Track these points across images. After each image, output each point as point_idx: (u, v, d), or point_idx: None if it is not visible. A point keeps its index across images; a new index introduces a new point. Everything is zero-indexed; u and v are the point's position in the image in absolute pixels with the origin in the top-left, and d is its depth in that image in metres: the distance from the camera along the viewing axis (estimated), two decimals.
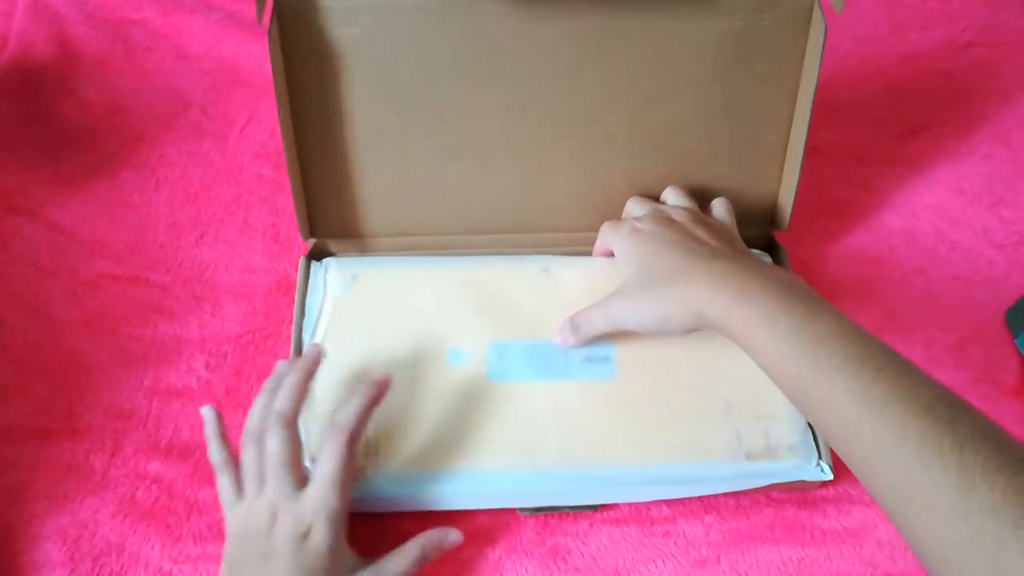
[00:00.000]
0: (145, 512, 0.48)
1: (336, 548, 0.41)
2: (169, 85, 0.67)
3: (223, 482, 0.44)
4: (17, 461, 0.50)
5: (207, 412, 0.46)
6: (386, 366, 0.49)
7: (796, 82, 0.50)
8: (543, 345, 0.50)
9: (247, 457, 0.43)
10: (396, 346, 0.50)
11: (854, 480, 0.50)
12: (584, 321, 0.49)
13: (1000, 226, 0.60)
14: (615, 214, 0.53)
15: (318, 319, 0.51)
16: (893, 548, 0.47)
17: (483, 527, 0.48)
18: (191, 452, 0.50)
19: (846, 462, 0.37)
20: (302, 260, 0.54)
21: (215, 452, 0.45)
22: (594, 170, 0.53)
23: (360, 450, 0.46)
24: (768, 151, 0.53)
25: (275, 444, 0.42)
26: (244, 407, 0.51)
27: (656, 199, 0.53)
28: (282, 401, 0.43)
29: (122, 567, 0.46)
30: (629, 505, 0.49)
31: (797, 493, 0.49)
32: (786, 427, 0.48)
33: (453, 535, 0.45)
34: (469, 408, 0.48)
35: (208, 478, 0.49)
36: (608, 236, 0.51)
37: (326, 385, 0.48)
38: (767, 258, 0.55)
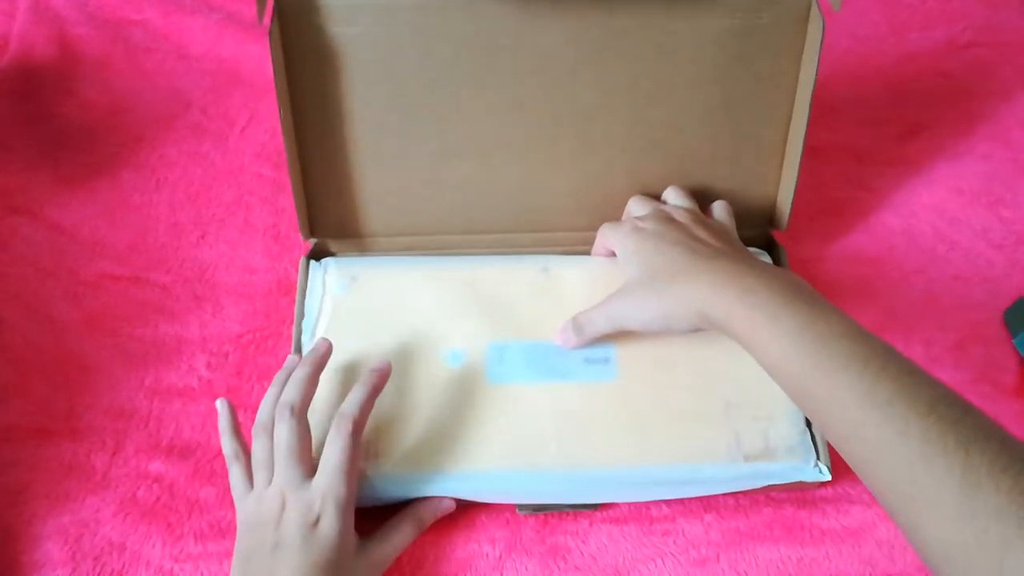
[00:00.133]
0: (146, 511, 0.48)
1: (345, 535, 0.42)
2: (169, 85, 0.67)
3: (234, 473, 0.44)
4: (17, 461, 0.50)
5: (221, 405, 0.46)
6: None
7: (795, 81, 0.50)
8: (543, 346, 0.50)
9: (257, 448, 0.44)
10: (395, 347, 0.50)
11: (853, 480, 0.50)
12: (587, 322, 0.49)
13: (999, 226, 0.61)
14: (615, 214, 0.53)
15: (317, 319, 0.51)
16: (892, 548, 0.47)
17: (483, 525, 0.48)
18: (192, 451, 0.50)
19: (848, 461, 0.37)
20: (302, 260, 0.54)
21: (227, 444, 0.45)
22: (594, 170, 0.53)
23: (361, 453, 0.46)
24: (767, 150, 0.53)
25: (284, 434, 0.43)
26: (245, 406, 0.51)
27: (657, 199, 0.53)
28: (291, 393, 0.44)
29: (123, 566, 0.46)
30: (629, 504, 0.49)
31: (796, 493, 0.49)
32: (785, 428, 0.48)
33: (446, 502, 0.47)
34: (468, 410, 0.48)
35: (209, 477, 0.49)
36: (608, 235, 0.51)
37: (325, 386, 0.48)
38: (766, 257, 0.55)
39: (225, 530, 0.48)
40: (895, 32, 0.72)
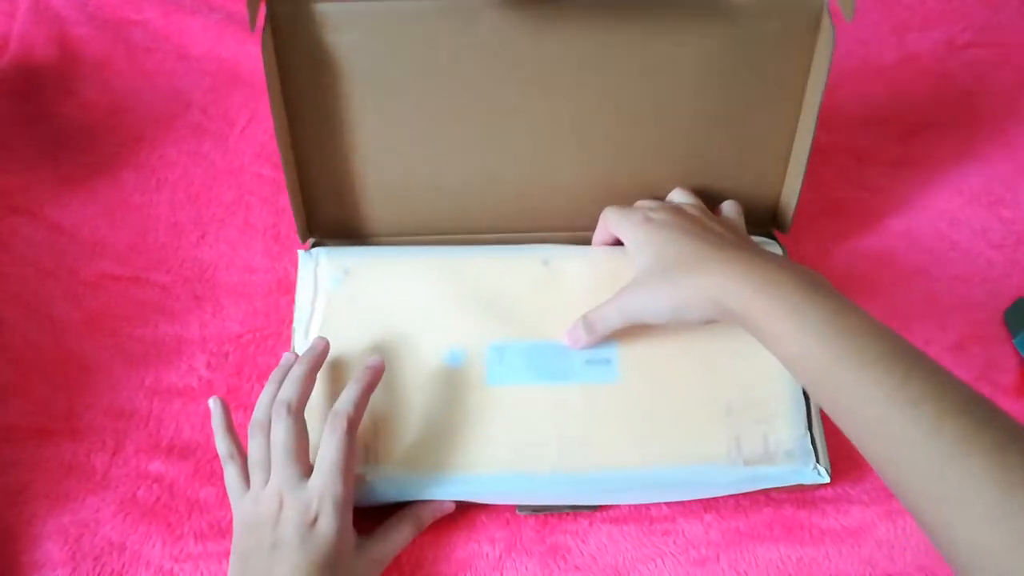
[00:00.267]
0: (146, 511, 0.48)
1: (343, 534, 0.42)
2: (170, 85, 0.67)
3: (230, 473, 0.44)
4: (17, 461, 0.50)
5: (214, 404, 0.46)
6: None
7: (803, 87, 0.49)
8: (544, 346, 0.49)
9: (253, 447, 0.44)
10: (392, 346, 0.49)
11: (853, 480, 0.50)
12: (598, 319, 0.48)
13: (999, 226, 0.60)
14: None
15: (310, 319, 0.50)
16: (892, 548, 0.47)
17: (483, 525, 0.48)
18: (192, 451, 0.50)
19: (869, 458, 0.37)
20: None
21: (222, 444, 0.45)
22: (597, 174, 0.52)
23: (359, 456, 0.46)
24: (772, 155, 0.52)
25: (280, 433, 0.42)
26: (245, 406, 0.51)
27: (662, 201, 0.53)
28: (288, 391, 0.44)
29: (123, 566, 0.46)
30: (629, 504, 0.49)
31: (796, 493, 0.49)
32: (785, 431, 0.48)
33: (447, 503, 0.47)
34: (468, 412, 0.48)
35: (209, 477, 0.49)
36: (615, 223, 0.49)
37: (319, 384, 0.48)
38: (776, 248, 0.55)
39: (225, 530, 0.48)
40: (895, 32, 0.72)
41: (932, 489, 0.33)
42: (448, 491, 0.46)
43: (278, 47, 0.46)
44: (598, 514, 0.49)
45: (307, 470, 0.43)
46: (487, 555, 0.47)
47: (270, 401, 0.44)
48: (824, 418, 0.50)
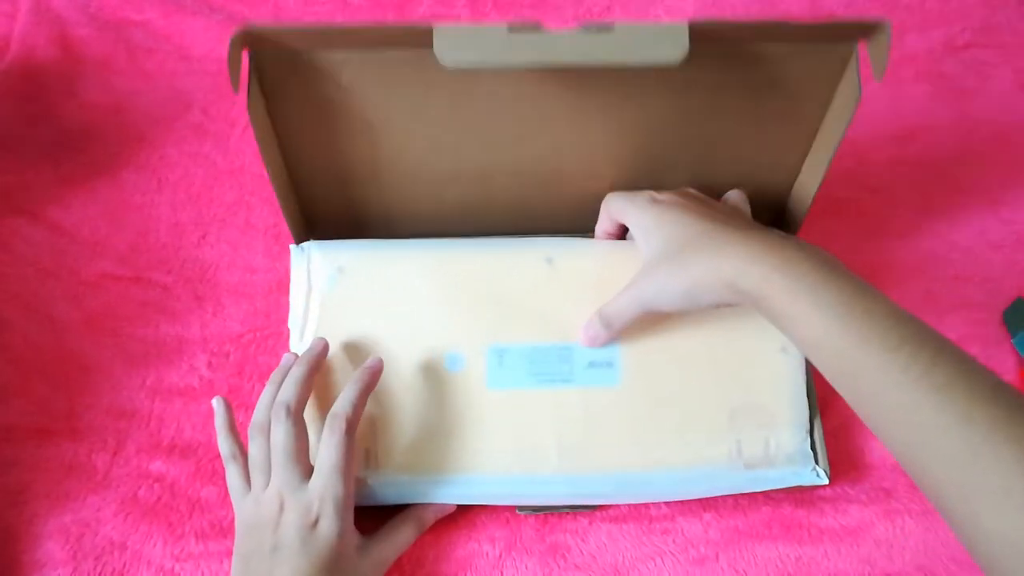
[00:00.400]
0: (147, 510, 0.48)
1: (345, 535, 0.42)
2: (171, 86, 0.67)
3: (231, 474, 0.44)
4: (18, 461, 0.50)
5: (217, 404, 0.46)
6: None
7: (818, 123, 0.47)
8: (545, 349, 0.48)
9: (254, 449, 0.44)
10: (391, 348, 0.48)
11: (852, 480, 0.50)
12: (615, 313, 0.46)
13: (999, 226, 0.61)
14: None
15: (305, 320, 0.49)
16: (890, 547, 0.47)
17: (483, 525, 0.48)
18: (193, 451, 0.50)
19: (890, 445, 0.36)
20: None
21: (224, 444, 0.45)
22: (601, 180, 0.50)
23: (359, 460, 0.46)
24: (784, 170, 0.51)
25: (280, 436, 0.42)
26: (246, 406, 0.51)
27: None
28: (287, 393, 0.44)
29: (124, 565, 0.47)
30: (628, 503, 0.49)
31: (795, 492, 0.49)
32: (787, 436, 0.48)
33: (447, 505, 0.47)
34: (468, 416, 0.47)
35: (210, 477, 0.49)
36: (619, 207, 0.47)
37: (320, 389, 0.48)
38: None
39: (226, 529, 0.48)
40: (894, 32, 0.71)
41: (960, 478, 0.33)
42: (448, 494, 0.46)
43: (268, 98, 0.43)
44: (598, 513, 0.49)
45: (307, 472, 0.43)
46: (487, 554, 0.47)
47: (270, 402, 0.44)
48: (824, 419, 0.50)
